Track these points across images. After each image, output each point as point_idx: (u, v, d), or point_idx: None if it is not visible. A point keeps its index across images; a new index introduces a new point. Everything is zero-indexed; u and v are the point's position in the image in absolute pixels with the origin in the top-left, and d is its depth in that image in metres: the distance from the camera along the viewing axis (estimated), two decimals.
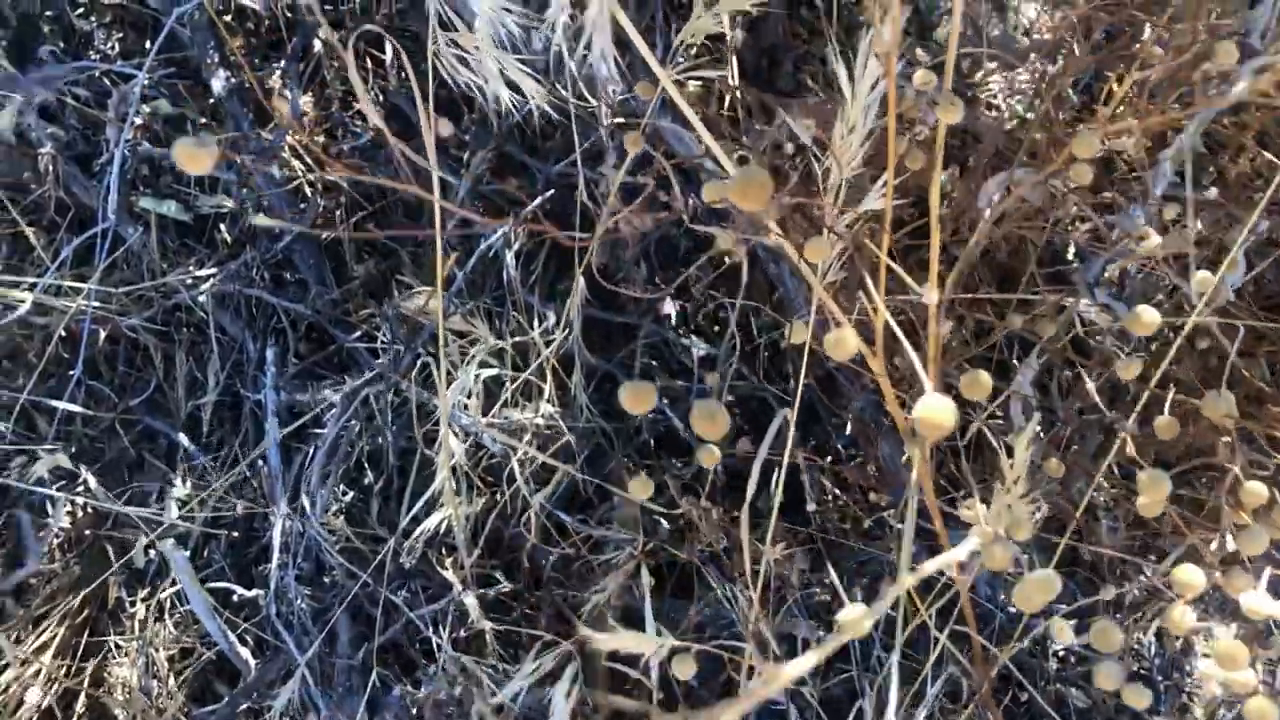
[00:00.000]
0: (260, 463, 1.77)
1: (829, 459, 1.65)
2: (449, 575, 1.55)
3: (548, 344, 1.59)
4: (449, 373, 1.53)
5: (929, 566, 0.58)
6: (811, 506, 1.62)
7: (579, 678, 0.99)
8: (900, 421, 0.97)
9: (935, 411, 0.59)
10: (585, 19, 0.73)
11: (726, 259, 1.81)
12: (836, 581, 1.35)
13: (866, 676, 1.43)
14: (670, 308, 1.68)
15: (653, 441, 1.70)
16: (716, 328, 1.79)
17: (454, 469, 1.47)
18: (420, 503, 1.50)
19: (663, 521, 1.64)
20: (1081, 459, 1.37)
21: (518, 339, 1.51)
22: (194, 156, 0.61)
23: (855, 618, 0.66)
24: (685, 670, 0.84)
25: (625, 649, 0.72)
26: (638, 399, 0.70)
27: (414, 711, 1.49)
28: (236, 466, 1.80)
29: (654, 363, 1.75)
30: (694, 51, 1.72)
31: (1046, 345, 1.19)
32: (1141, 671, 1.62)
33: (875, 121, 0.82)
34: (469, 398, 1.38)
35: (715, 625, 1.49)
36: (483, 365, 1.59)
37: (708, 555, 1.49)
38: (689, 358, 1.71)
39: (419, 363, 1.56)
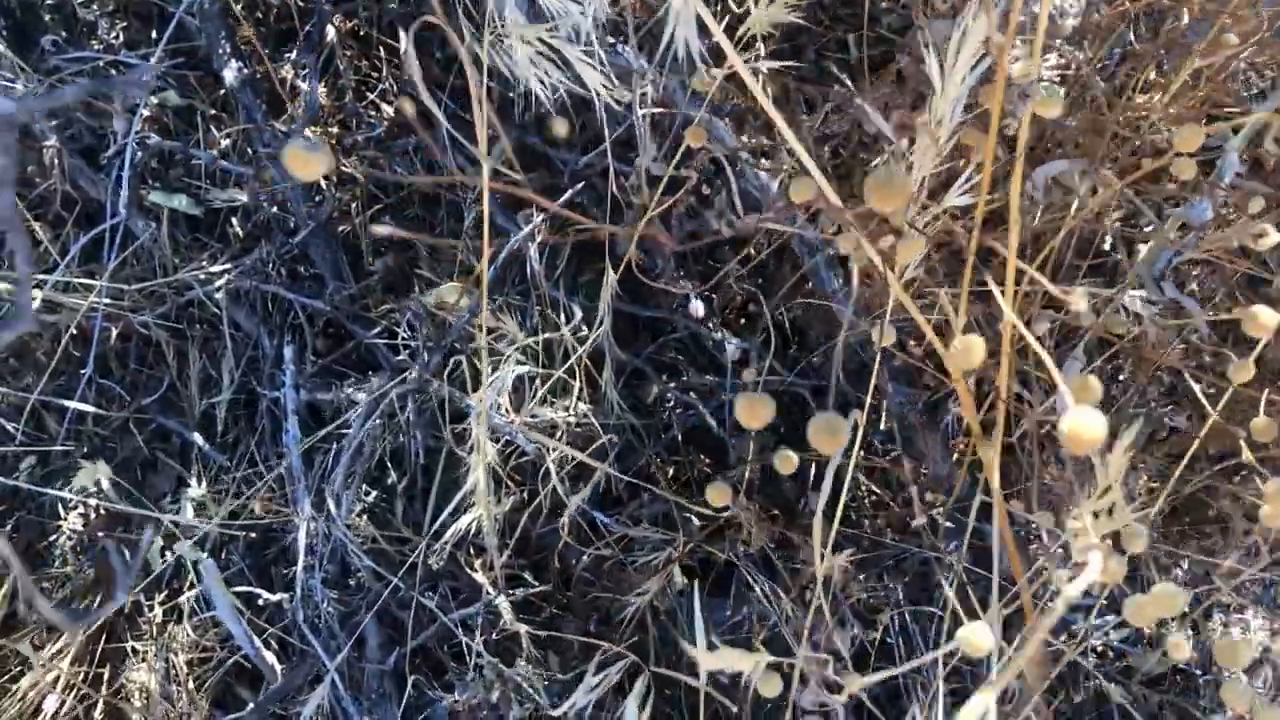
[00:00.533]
0: (278, 462, 1.74)
1: (863, 454, 1.63)
2: (479, 577, 1.52)
3: (579, 340, 1.56)
4: (481, 371, 1.50)
5: (1071, 589, 0.55)
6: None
7: (650, 691, 0.96)
8: (975, 427, 0.94)
9: (1086, 426, 0.56)
10: (670, 7, 0.69)
11: (753, 250, 1.78)
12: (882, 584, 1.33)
13: (913, 678, 1.41)
14: (700, 305, 1.65)
15: (680, 437, 1.66)
16: (743, 320, 1.76)
17: (486, 468, 1.44)
18: (452, 504, 1.47)
19: (693, 519, 1.61)
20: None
21: (547, 335, 1.48)
22: (306, 162, 0.58)
23: (977, 640, 0.63)
24: (772, 688, 0.81)
25: (728, 668, 0.69)
26: (754, 412, 0.66)
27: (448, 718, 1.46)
28: (254, 466, 1.77)
29: (680, 357, 1.72)
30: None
31: (1111, 337, 1.16)
32: (1178, 666, 1.60)
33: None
34: (499, 396, 1.34)
35: (755, 624, 1.46)
36: (513, 363, 1.55)
37: (744, 554, 1.47)
38: (719, 352, 1.68)
39: (447, 361, 1.52)
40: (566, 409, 1.50)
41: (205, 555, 1.71)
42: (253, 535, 1.73)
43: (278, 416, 1.74)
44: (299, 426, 1.64)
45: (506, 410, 1.42)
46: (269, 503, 1.74)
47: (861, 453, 1.63)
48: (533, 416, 1.43)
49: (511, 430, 1.41)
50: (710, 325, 1.64)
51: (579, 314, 1.63)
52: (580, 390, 1.50)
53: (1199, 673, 1.59)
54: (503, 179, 1.18)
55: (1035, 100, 0.71)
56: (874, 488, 1.57)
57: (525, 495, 1.58)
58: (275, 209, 1.79)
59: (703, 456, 1.71)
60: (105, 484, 1.78)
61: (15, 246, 0.56)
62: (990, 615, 0.61)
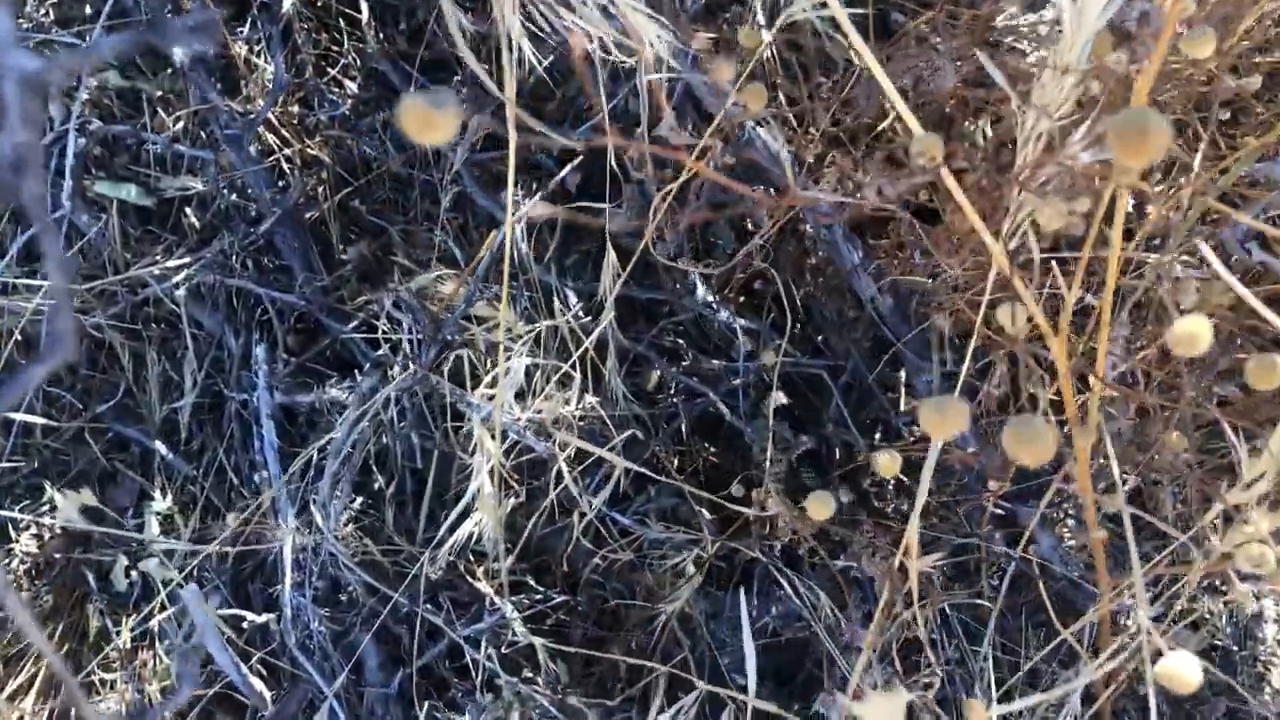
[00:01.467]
0: (250, 470, 1.61)
1: (879, 435, 1.54)
2: (482, 585, 1.41)
3: (577, 328, 1.45)
4: (477, 365, 1.39)
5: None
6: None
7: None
8: (1071, 409, 0.85)
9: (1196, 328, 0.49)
10: None
11: (751, 226, 1.68)
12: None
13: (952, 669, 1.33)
14: (702, 286, 1.55)
15: (687, 427, 1.56)
16: (744, 299, 1.66)
17: (490, 470, 1.33)
18: (457, 509, 1.36)
19: (704, 514, 1.51)
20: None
21: (549, 323, 1.37)
22: (429, 121, 0.46)
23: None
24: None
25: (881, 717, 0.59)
26: (944, 421, 0.57)
27: None
28: (223, 475, 1.64)
29: (681, 342, 1.62)
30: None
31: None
32: (1216, 643, 1.55)
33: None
34: (500, 390, 1.23)
35: (782, 621, 1.37)
36: (510, 353, 1.44)
37: (769, 552, 1.37)
38: (723, 334, 1.58)
39: (441, 355, 1.40)
40: (571, 402, 1.39)
41: (176, 574, 1.58)
42: (227, 550, 1.60)
43: (247, 421, 1.61)
44: (274, 432, 1.52)
45: (510, 407, 1.31)
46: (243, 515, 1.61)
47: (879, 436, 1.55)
48: (538, 412, 1.32)
49: (517, 428, 1.29)
50: (714, 306, 1.53)
51: (574, 299, 1.52)
52: (585, 381, 1.39)
53: (1235, 648, 1.53)
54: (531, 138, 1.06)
55: (1188, 39, 0.62)
56: (902, 478, 1.48)
57: (527, 497, 1.47)
58: (235, 196, 1.66)
59: (708, 446, 1.61)
60: (60, 501, 1.64)
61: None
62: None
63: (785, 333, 1.52)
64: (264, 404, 1.50)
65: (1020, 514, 1.40)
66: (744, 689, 1.07)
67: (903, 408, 1.50)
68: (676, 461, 1.60)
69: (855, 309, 1.57)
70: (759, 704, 1.05)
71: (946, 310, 1.38)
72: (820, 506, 0.78)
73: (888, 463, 0.94)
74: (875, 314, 1.38)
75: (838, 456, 1.47)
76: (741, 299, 1.66)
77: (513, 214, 1.56)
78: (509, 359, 1.20)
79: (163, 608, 1.58)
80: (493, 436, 1.29)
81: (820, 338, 1.59)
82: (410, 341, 1.53)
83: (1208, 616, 1.57)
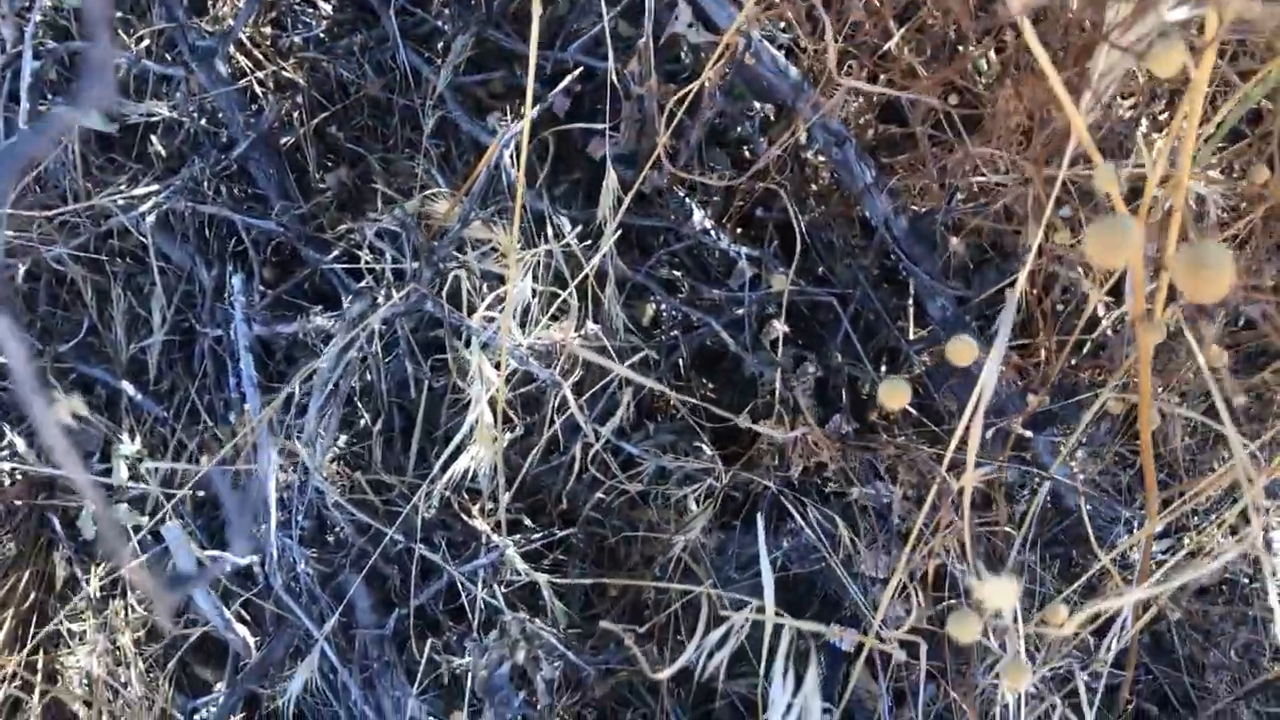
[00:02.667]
0: (225, 409, 1.52)
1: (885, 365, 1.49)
2: (478, 523, 1.34)
3: (571, 255, 1.38)
4: (473, 289, 1.32)
5: None
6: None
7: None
8: (1140, 305, 0.80)
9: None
10: None
11: (748, 153, 1.62)
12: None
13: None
14: (699, 212, 1.48)
15: (687, 359, 1.50)
16: (741, 229, 1.60)
17: (496, 398, 1.26)
18: (452, 444, 1.29)
19: (704, 447, 1.45)
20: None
21: (549, 247, 1.29)
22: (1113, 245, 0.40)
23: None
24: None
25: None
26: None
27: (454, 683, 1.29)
28: (196, 416, 1.55)
29: (678, 272, 1.55)
30: None
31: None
32: (1227, 576, 1.52)
33: None
34: (508, 317, 1.16)
35: (794, 554, 1.31)
36: (504, 280, 1.37)
37: (781, 481, 1.32)
38: (723, 263, 1.52)
39: (429, 276, 1.33)
40: (572, 330, 1.32)
41: (147, 520, 1.50)
42: (201, 494, 1.52)
43: (221, 357, 1.53)
44: (253, 365, 1.43)
45: (510, 333, 1.24)
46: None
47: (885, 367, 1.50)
48: (538, 339, 1.26)
49: (520, 354, 1.23)
50: (714, 234, 1.47)
51: (567, 226, 1.45)
52: (586, 309, 1.32)
53: (1246, 581, 1.51)
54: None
55: None
56: (911, 409, 1.43)
57: (522, 433, 1.41)
58: (205, 121, 1.56)
59: (707, 381, 1.55)
60: (21, 445, 1.55)
61: None
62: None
63: (789, 260, 1.47)
64: (241, 336, 1.42)
65: (1038, 444, 1.36)
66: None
67: (912, 335, 1.45)
68: (674, 397, 1.54)
69: (862, 236, 1.51)
70: (780, 620, 0.99)
71: (965, 229, 1.33)
72: (896, 394, 0.72)
73: (893, 393, 0.86)
74: (890, 236, 1.32)
75: (845, 388, 1.42)
76: (739, 229, 1.59)
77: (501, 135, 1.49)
78: (514, 280, 1.12)
79: (134, 555, 1.50)
80: (495, 365, 1.22)
81: (820, 268, 1.54)
82: (394, 271, 1.46)
83: (1214, 548, 1.54)
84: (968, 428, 0.87)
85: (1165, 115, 1.11)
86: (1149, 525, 1.07)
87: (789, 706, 0.71)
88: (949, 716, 1.33)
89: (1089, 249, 0.49)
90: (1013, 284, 1.43)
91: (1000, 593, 0.56)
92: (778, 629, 1.08)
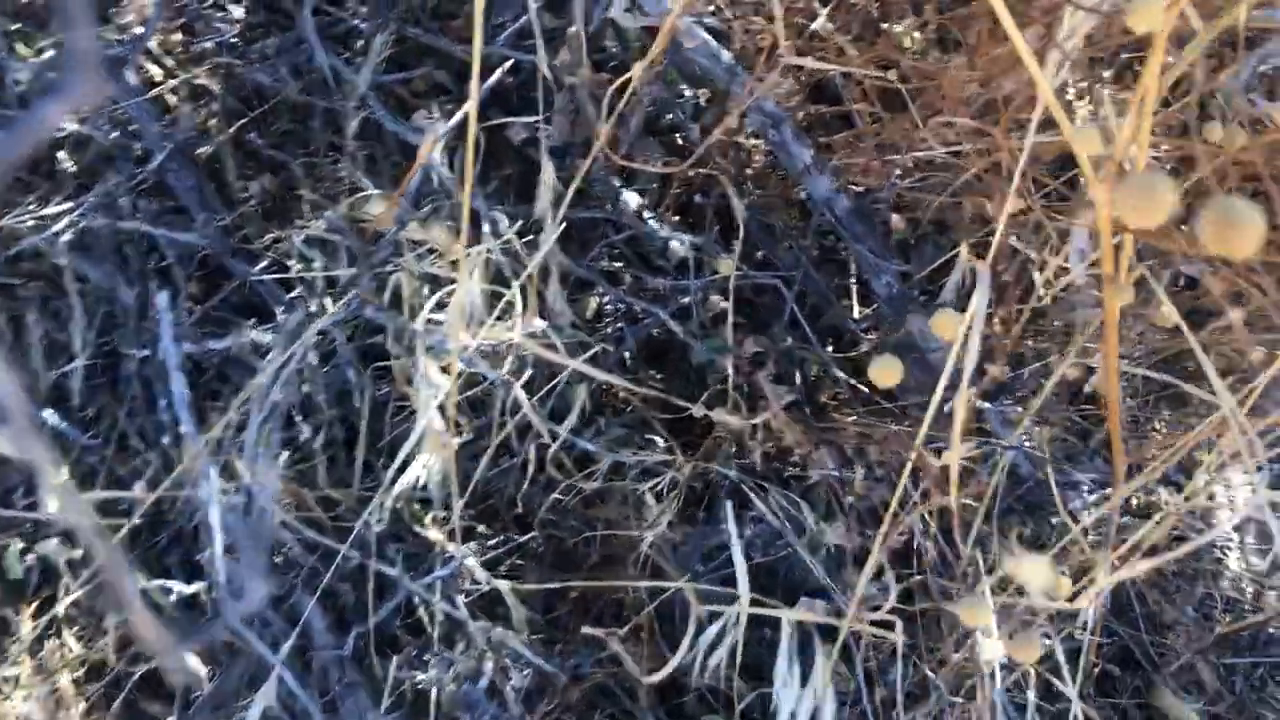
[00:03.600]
0: (155, 433, 1.46)
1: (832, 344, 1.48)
2: (432, 534, 1.30)
3: (509, 251, 1.34)
4: (414, 292, 1.28)
5: None
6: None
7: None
8: (1109, 265, 0.79)
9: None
10: None
11: (679, 138, 1.60)
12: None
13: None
14: (635, 201, 1.46)
15: (633, 352, 1.48)
16: (679, 216, 1.58)
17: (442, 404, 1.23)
18: (396, 454, 1.25)
19: (659, 440, 1.43)
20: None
21: (494, 244, 1.26)
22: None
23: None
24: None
25: None
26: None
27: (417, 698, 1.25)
28: (126, 442, 1.49)
29: (619, 263, 1.53)
30: None
31: None
32: (1176, 534, 1.54)
33: None
34: (457, 306, 1.12)
35: (760, 541, 1.30)
36: (446, 282, 1.34)
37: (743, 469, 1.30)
38: (662, 252, 1.50)
39: (369, 282, 1.28)
40: (516, 328, 1.29)
41: (79, 553, 1.44)
42: (137, 522, 1.45)
43: (149, 378, 1.47)
44: (185, 385, 1.38)
45: (459, 335, 1.20)
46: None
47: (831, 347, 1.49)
48: (486, 341, 1.22)
49: (468, 356, 1.19)
50: (656, 223, 1.45)
51: (505, 223, 1.41)
52: (532, 306, 1.29)
53: (1195, 537, 1.53)
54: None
55: None
56: (857, 383, 1.42)
57: (470, 437, 1.37)
58: (118, 134, 1.50)
59: (655, 373, 1.53)
60: None
61: None
62: None
63: (731, 246, 1.45)
64: (171, 355, 1.36)
65: (990, 415, 1.36)
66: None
67: (857, 314, 1.44)
68: (619, 393, 1.51)
69: (800, 218, 1.50)
70: (756, 610, 0.97)
71: (907, 206, 1.33)
72: (888, 371, 0.70)
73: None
74: (832, 216, 1.31)
75: (797, 370, 1.40)
76: (678, 217, 1.57)
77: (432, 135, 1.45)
78: (463, 280, 1.09)
79: (67, 591, 1.44)
80: (444, 370, 1.19)
81: (760, 252, 1.52)
82: (326, 279, 1.41)
83: (1166, 507, 1.56)
84: (940, 403, 0.86)
85: (1110, 77, 1.11)
86: (1117, 490, 1.07)
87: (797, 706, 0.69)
88: (920, 694, 1.32)
89: (1208, 235, 0.48)
90: (955, 257, 1.43)
91: (1036, 572, 0.54)
92: (755, 619, 1.06)
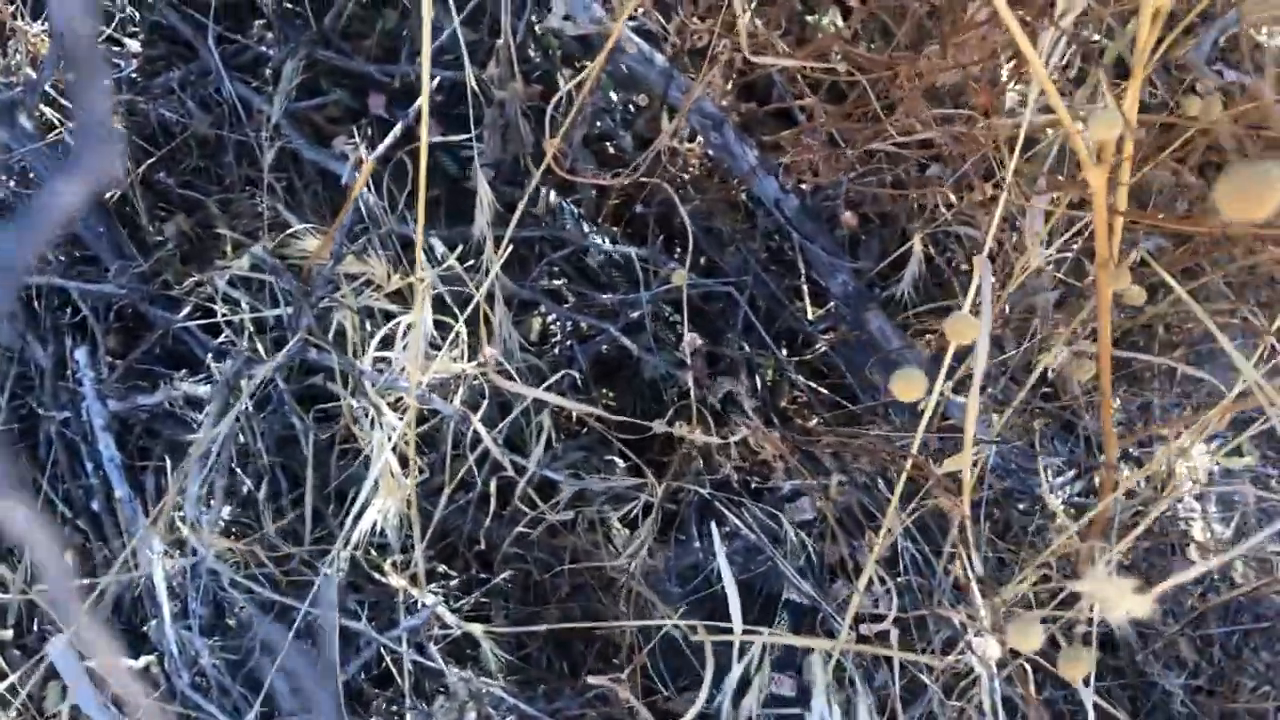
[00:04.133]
0: (83, 496, 1.37)
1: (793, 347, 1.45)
2: (393, 580, 1.24)
3: (447, 276, 1.29)
4: (355, 328, 1.21)
5: None
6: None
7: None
8: (1104, 248, 0.77)
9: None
10: None
11: (610, 147, 1.55)
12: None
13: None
14: (571, 218, 1.41)
15: (580, 375, 1.43)
16: (617, 228, 1.53)
17: (385, 450, 1.16)
18: (348, 500, 1.18)
19: (619, 461, 1.39)
20: None
21: (437, 272, 1.20)
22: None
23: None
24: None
25: None
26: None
27: None
28: (50, 507, 1.40)
29: (560, 282, 1.48)
30: None
31: None
32: (1140, 509, 1.53)
33: None
34: (416, 339, 1.06)
35: (745, 558, 1.26)
36: (382, 315, 1.27)
37: (712, 488, 1.26)
38: (604, 269, 1.45)
39: (307, 322, 1.21)
40: (463, 359, 1.23)
41: (8, 633, 1.35)
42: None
43: (71, 440, 1.38)
44: (114, 445, 1.29)
45: (405, 370, 1.14)
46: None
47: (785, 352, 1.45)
48: (438, 374, 1.16)
49: (420, 393, 1.13)
50: (599, 237, 1.40)
51: (441, 247, 1.35)
52: (483, 333, 1.23)
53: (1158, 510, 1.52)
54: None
55: None
56: (816, 385, 1.39)
57: (424, 474, 1.31)
58: (14, 183, 1.40)
59: (606, 392, 1.48)
60: None
61: None
62: None
63: (674, 255, 1.41)
64: (96, 415, 1.28)
65: (951, 409, 1.34)
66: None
67: (810, 315, 1.41)
68: (574, 414, 1.46)
69: (743, 221, 1.47)
70: (748, 636, 0.93)
71: (853, 201, 1.30)
72: (910, 385, 0.66)
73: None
74: (781, 216, 1.28)
75: (755, 377, 1.37)
76: (616, 229, 1.53)
77: (353, 162, 1.39)
78: (419, 311, 1.02)
79: (1, 675, 1.34)
80: (394, 407, 1.13)
81: (703, 258, 1.48)
82: (253, 321, 1.34)
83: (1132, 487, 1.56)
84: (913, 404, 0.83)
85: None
86: (1108, 474, 1.06)
87: None
88: (910, 697, 1.29)
89: (1226, 202, 0.44)
90: (903, 250, 1.40)
91: (1121, 596, 0.51)
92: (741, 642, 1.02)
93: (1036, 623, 0.61)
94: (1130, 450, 1.57)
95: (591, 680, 0.95)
